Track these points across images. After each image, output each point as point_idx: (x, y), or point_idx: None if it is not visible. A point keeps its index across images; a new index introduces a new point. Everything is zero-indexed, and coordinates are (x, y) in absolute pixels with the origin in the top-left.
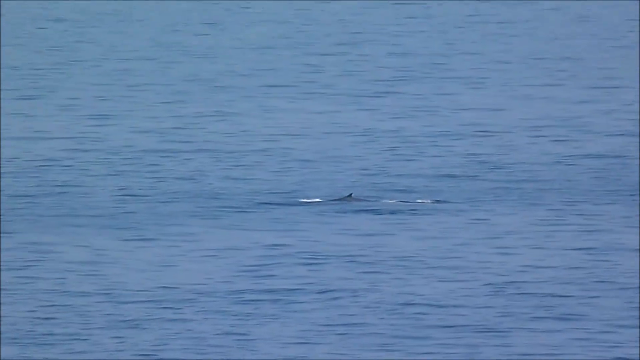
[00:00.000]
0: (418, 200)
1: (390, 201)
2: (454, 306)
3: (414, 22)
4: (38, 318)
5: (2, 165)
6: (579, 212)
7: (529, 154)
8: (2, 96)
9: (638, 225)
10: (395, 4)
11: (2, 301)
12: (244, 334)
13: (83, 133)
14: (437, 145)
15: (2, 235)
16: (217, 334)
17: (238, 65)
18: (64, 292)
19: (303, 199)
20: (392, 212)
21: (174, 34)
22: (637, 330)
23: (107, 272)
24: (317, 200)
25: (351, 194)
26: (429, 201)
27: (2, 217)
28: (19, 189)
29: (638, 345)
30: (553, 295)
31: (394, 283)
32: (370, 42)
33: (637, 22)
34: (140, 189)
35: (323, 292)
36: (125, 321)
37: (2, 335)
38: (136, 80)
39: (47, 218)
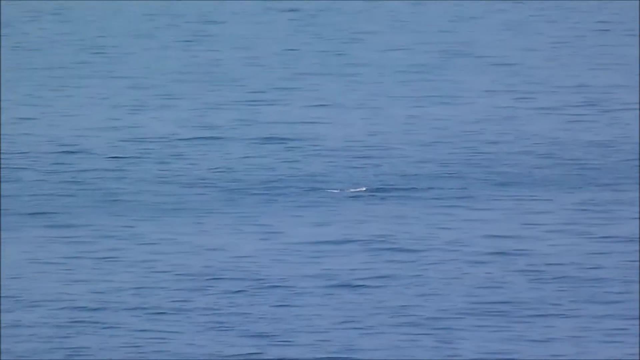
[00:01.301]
0: (445, 188)
1: (420, 190)
2: (491, 292)
3: (432, 14)
4: (79, 307)
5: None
6: (616, 198)
7: (561, 139)
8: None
9: None
10: None
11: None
12: (287, 321)
13: (122, 123)
14: (465, 132)
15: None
16: (264, 323)
17: (264, 53)
18: (108, 279)
19: (341, 188)
20: (423, 200)
21: (204, 24)
22: None
23: (155, 258)
24: (361, 189)
25: (341, 188)
26: (455, 189)
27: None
28: (59, 179)
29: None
30: (588, 280)
31: (434, 270)
32: (395, 31)
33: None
34: (196, 178)
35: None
36: (156, 312)
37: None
38: (166, 70)
39: (87, 206)
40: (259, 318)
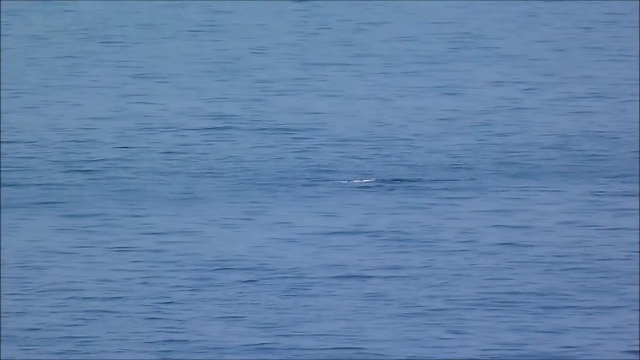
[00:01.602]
0: (454, 179)
1: (429, 181)
2: (500, 283)
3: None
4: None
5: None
6: (625, 189)
7: (569, 131)
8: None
9: None
10: None
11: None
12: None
13: (131, 111)
14: (474, 123)
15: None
16: (273, 313)
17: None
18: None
19: (349, 179)
20: (432, 191)
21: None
22: None
23: (164, 248)
24: (369, 180)
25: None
26: (463, 180)
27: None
28: (69, 167)
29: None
30: (597, 271)
31: (443, 261)
32: (402, 22)
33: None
34: (204, 168)
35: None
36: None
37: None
38: (169, 63)
39: (96, 196)
40: (268, 308)
